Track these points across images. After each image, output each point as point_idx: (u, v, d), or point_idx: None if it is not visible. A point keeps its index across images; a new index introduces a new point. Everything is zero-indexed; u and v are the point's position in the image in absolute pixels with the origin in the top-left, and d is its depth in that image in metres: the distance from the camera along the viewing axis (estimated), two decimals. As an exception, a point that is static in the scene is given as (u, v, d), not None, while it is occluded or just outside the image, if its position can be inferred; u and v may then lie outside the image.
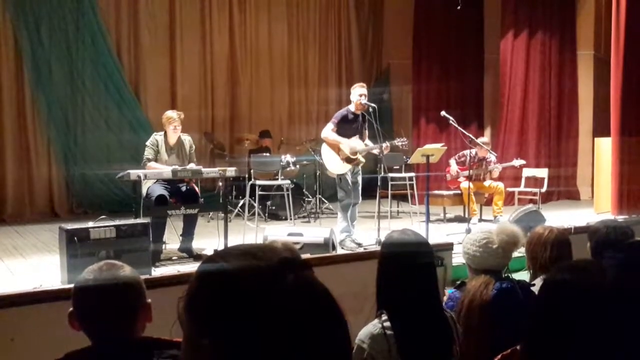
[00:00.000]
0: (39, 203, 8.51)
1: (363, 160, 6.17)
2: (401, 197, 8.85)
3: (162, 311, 1.43)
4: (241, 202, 8.13)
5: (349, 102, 6.25)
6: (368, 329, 2.14)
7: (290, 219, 7.24)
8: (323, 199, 8.87)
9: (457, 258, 4.36)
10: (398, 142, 6.17)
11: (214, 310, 0.78)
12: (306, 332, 0.77)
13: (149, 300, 1.70)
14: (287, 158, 8.01)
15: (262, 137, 9.30)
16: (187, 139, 5.91)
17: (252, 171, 8.11)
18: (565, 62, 10.50)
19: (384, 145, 5.92)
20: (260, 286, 0.77)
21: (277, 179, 7.68)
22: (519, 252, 3.34)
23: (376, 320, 2.16)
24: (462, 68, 10.74)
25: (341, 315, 0.82)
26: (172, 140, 5.77)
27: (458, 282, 2.93)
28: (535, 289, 2.61)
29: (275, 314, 0.76)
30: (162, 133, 5.80)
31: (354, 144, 6.09)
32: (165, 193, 5.44)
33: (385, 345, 2.09)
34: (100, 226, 4.44)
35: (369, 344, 2.10)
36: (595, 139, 8.98)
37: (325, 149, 6.20)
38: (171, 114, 5.78)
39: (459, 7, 9.56)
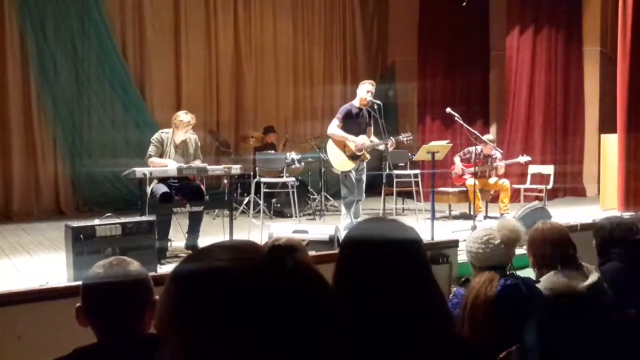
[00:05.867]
0: (45, 201, 8.55)
1: (368, 156, 6.17)
2: (406, 195, 8.84)
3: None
4: (246, 200, 8.14)
5: (354, 99, 6.24)
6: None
7: (296, 217, 7.25)
8: (328, 196, 8.87)
9: (463, 255, 4.35)
10: (403, 137, 6.18)
11: (200, 308, 0.78)
12: (297, 314, 0.76)
13: (157, 297, 1.70)
14: (292, 155, 8.02)
15: (266, 133, 9.31)
16: (192, 137, 5.88)
17: (257, 169, 8.12)
18: (571, 59, 10.43)
19: (389, 142, 5.92)
20: (244, 277, 0.78)
21: (282, 177, 7.69)
22: (524, 249, 3.32)
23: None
24: (468, 65, 10.70)
25: (332, 297, 0.82)
26: (179, 139, 5.76)
27: (462, 279, 2.92)
28: (540, 287, 2.61)
29: (264, 300, 0.76)
30: (169, 130, 5.76)
31: (360, 141, 6.08)
32: (171, 190, 5.46)
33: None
34: (106, 224, 4.45)
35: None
36: (602, 135, 8.92)
37: (331, 146, 6.18)
38: (184, 117, 5.63)
39: (464, 4, 9.54)
